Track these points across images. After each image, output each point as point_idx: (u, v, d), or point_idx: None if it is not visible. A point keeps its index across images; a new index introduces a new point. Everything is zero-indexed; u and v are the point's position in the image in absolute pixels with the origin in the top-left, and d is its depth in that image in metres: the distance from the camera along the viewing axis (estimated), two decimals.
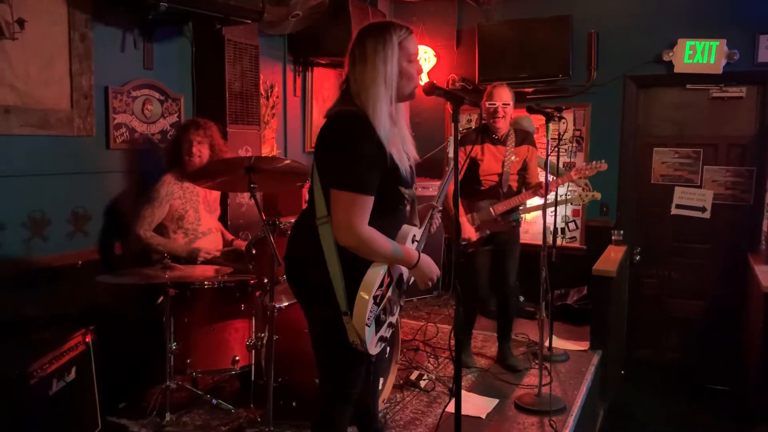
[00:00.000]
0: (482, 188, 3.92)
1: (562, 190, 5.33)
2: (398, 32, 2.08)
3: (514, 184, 3.94)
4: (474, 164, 3.88)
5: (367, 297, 2.00)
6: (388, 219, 2.12)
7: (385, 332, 2.17)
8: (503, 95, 3.81)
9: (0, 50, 2.95)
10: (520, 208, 4.10)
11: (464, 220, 3.87)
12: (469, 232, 3.84)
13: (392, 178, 2.07)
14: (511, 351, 4.13)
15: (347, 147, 1.99)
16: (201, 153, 3.52)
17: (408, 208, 2.26)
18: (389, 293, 2.14)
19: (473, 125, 5.96)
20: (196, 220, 3.56)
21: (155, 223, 3.45)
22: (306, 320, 2.26)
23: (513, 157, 3.89)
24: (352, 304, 2.02)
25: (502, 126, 3.85)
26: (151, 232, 3.43)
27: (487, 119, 3.88)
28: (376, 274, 2.04)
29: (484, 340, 4.60)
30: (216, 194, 3.76)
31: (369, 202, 2.00)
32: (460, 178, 3.69)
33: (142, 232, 3.39)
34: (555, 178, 3.90)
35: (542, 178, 3.73)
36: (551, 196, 3.74)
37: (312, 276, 2.10)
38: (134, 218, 3.44)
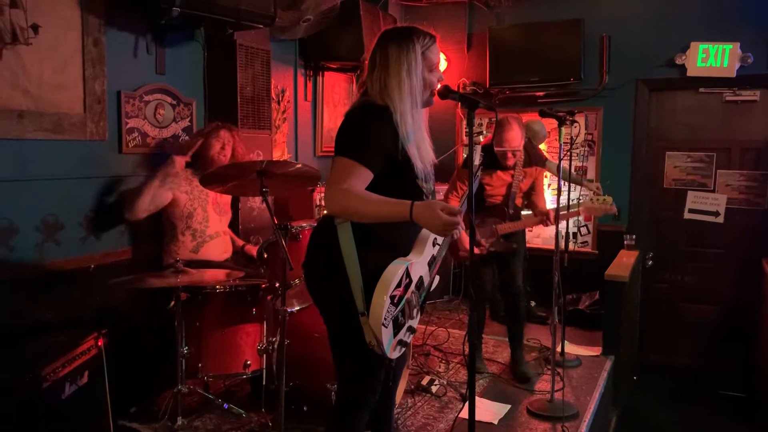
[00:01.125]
0: (486, 205, 3.93)
1: (573, 194, 5.32)
2: (422, 40, 2.09)
3: (519, 201, 3.96)
4: (481, 187, 3.91)
5: (384, 296, 1.99)
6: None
7: (405, 336, 2.15)
8: (514, 140, 3.74)
9: (14, 55, 2.97)
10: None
11: (464, 235, 3.84)
12: (465, 247, 3.81)
13: (409, 172, 2.06)
14: (523, 358, 4.06)
15: (358, 123, 2.03)
16: (226, 155, 3.59)
17: None
18: (408, 295, 2.12)
19: (484, 129, 5.94)
20: (204, 220, 3.56)
21: (152, 206, 3.38)
22: (325, 326, 2.25)
23: (522, 178, 3.90)
24: (369, 304, 2.01)
25: (509, 164, 3.84)
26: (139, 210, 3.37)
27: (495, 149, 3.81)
28: (394, 273, 2.02)
29: (495, 345, 4.58)
30: (227, 197, 3.76)
31: (364, 174, 1.97)
32: (459, 202, 3.79)
33: (139, 203, 3.34)
34: (566, 210, 3.85)
35: (550, 199, 3.76)
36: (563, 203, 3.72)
37: (330, 277, 2.09)
38: (132, 198, 3.38)
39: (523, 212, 4.11)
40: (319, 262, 2.17)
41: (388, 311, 2.00)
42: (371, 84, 2.07)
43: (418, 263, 2.15)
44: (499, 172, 3.89)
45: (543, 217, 3.85)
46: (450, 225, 1.88)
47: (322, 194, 4.84)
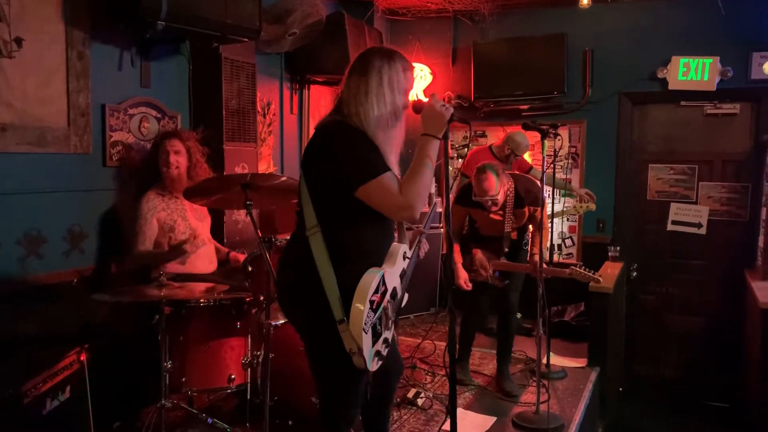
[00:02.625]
0: (485, 236, 3.98)
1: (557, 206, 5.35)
2: (402, 62, 2.16)
3: (515, 234, 3.96)
4: (471, 220, 3.94)
5: (363, 300, 2.00)
6: (382, 224, 2.15)
7: (382, 348, 2.16)
8: (491, 189, 3.63)
9: None
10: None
11: (460, 266, 3.90)
12: (463, 277, 3.85)
13: None
14: (509, 374, 4.04)
15: (346, 146, 2.04)
16: (179, 163, 3.50)
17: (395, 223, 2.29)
18: (384, 302, 2.13)
19: (469, 142, 5.96)
20: (187, 229, 3.53)
21: (149, 240, 3.42)
22: (303, 341, 2.24)
23: (512, 224, 3.85)
24: (347, 310, 2.01)
25: (496, 210, 3.82)
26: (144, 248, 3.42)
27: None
28: (371, 279, 2.04)
29: (481, 357, 4.58)
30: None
31: (390, 177, 2.04)
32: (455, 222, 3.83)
33: (137, 250, 3.39)
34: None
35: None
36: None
37: (305, 288, 2.09)
38: (130, 241, 3.43)
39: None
40: (294, 274, 2.17)
41: (367, 317, 2.02)
42: (347, 90, 2.12)
43: (391, 273, 2.18)
44: (483, 212, 3.86)
45: (532, 267, 3.76)
46: (443, 110, 2.06)
47: None
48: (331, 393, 2.21)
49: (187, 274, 3.44)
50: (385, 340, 2.19)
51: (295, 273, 2.15)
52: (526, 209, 3.88)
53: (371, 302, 2.03)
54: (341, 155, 2.03)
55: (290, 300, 2.19)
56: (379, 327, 2.11)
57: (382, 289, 2.10)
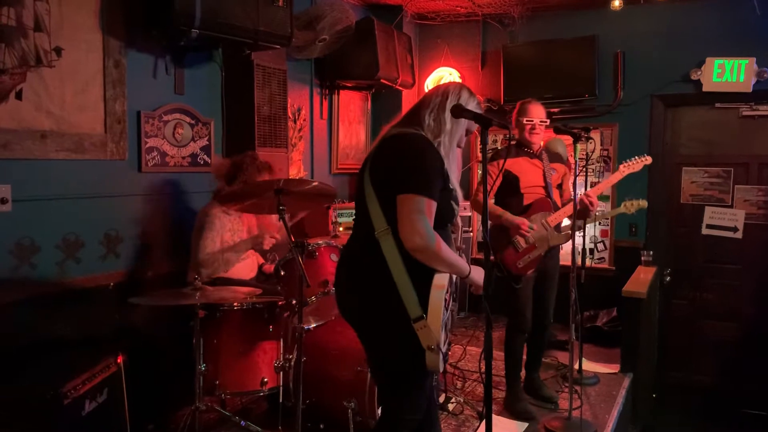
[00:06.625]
0: (527, 202, 3.66)
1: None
2: (476, 107, 2.29)
3: (558, 200, 3.76)
4: (512, 181, 3.65)
5: (441, 295, 2.03)
6: (446, 228, 2.21)
7: (446, 348, 2.18)
8: (540, 112, 3.67)
9: (38, 77, 3.04)
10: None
11: (510, 215, 3.59)
12: (519, 220, 3.56)
13: (446, 195, 2.17)
14: (542, 381, 3.96)
15: (419, 157, 2.12)
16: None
17: (451, 230, 2.33)
18: (451, 303, 2.17)
19: (498, 146, 5.95)
20: None
21: (214, 249, 3.44)
22: (367, 344, 2.26)
23: (552, 171, 3.73)
24: (424, 308, 2.04)
25: (538, 141, 3.70)
26: (212, 255, 3.44)
27: (519, 135, 3.70)
28: (444, 277, 2.09)
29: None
30: (255, 221, 3.77)
31: (434, 208, 2.09)
32: (492, 196, 3.69)
33: (204, 256, 3.42)
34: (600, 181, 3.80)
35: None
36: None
37: (378, 288, 2.11)
38: (194, 251, 3.45)
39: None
40: (364, 275, 2.19)
41: (444, 313, 2.05)
42: (426, 115, 2.23)
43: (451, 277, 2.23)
44: (526, 159, 3.69)
45: (584, 200, 3.58)
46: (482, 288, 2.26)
47: (338, 211, 4.89)
48: (398, 396, 2.20)
49: (224, 278, 3.48)
50: (448, 342, 2.22)
51: (365, 274, 2.17)
52: (559, 165, 3.82)
53: (444, 300, 2.06)
54: (413, 160, 2.11)
55: (360, 301, 2.21)
56: (448, 326, 2.15)
57: (450, 289, 2.14)
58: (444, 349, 2.13)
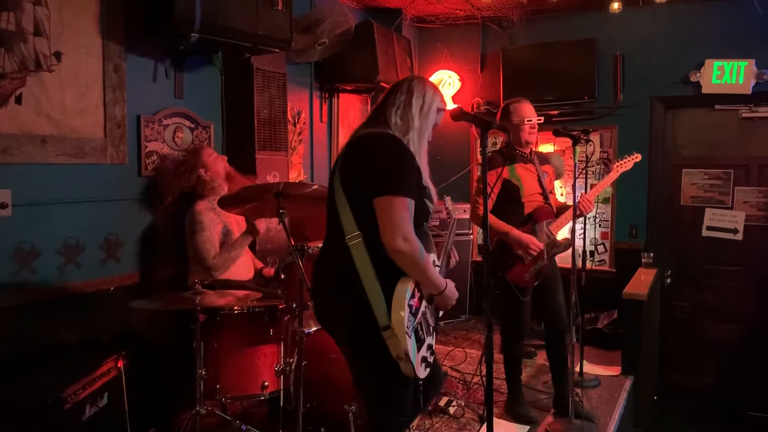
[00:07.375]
0: (527, 213, 3.57)
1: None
2: (441, 102, 2.31)
3: (554, 205, 3.70)
4: (511, 189, 3.57)
5: (402, 304, 2.02)
6: (419, 232, 2.16)
7: (427, 354, 2.16)
8: (533, 109, 3.60)
9: (38, 82, 3.04)
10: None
11: (517, 232, 3.46)
12: (529, 239, 3.45)
13: (420, 193, 2.16)
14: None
15: (392, 157, 2.10)
16: (219, 164, 3.64)
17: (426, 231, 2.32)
18: (422, 307, 2.15)
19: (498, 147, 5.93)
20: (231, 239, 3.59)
21: (216, 247, 3.47)
22: (344, 354, 2.25)
23: (545, 175, 3.68)
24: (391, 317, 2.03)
25: (534, 141, 3.64)
26: (219, 256, 3.46)
27: (513, 138, 3.61)
28: (405, 284, 2.07)
29: None
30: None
31: (413, 206, 2.08)
32: (490, 207, 3.63)
33: (213, 260, 3.43)
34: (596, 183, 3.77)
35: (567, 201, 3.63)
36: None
37: (348, 296, 2.09)
38: (198, 255, 3.46)
39: None
40: (334, 283, 2.17)
41: (408, 320, 2.03)
42: (394, 111, 2.20)
43: None
44: (521, 165, 3.60)
45: (580, 205, 3.50)
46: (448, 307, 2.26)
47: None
48: (379, 403, 2.19)
49: (225, 281, 3.48)
50: (429, 347, 2.19)
51: (336, 282, 2.15)
52: (548, 167, 3.75)
53: (410, 306, 2.05)
54: (387, 161, 2.09)
55: (332, 309, 2.19)
56: (421, 332, 2.12)
57: (418, 294, 2.12)
58: (423, 356, 2.11)
